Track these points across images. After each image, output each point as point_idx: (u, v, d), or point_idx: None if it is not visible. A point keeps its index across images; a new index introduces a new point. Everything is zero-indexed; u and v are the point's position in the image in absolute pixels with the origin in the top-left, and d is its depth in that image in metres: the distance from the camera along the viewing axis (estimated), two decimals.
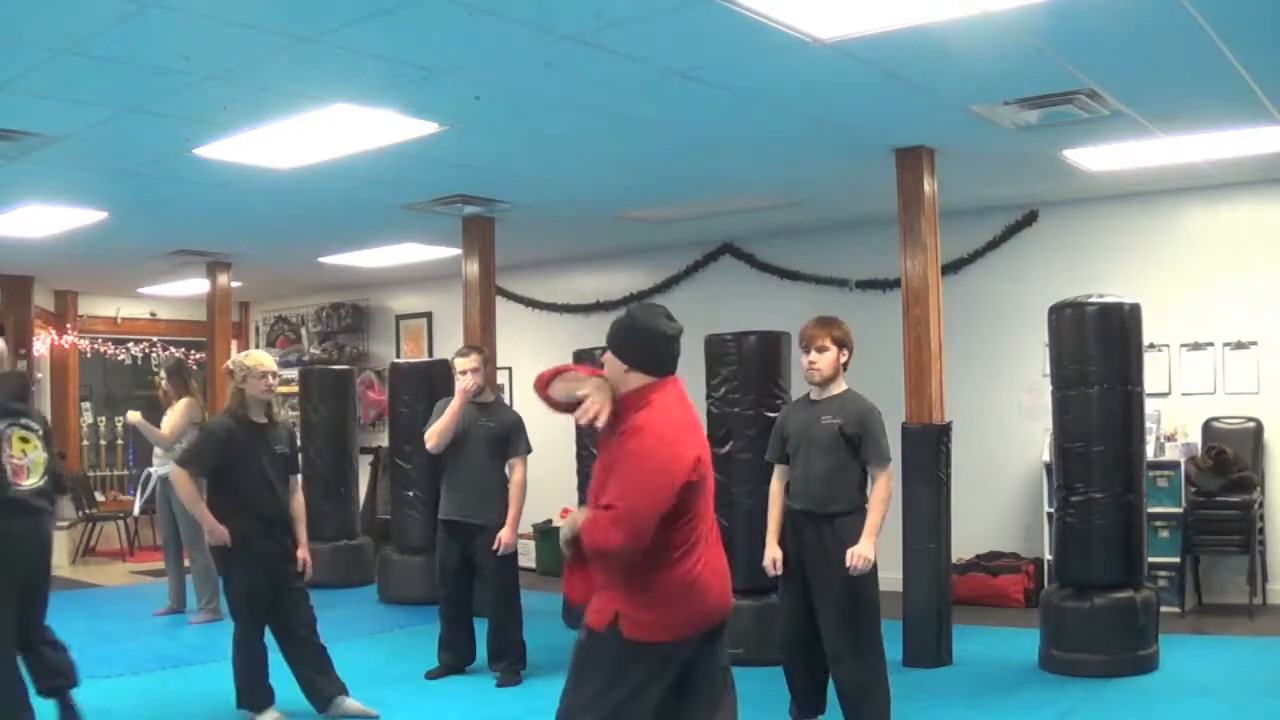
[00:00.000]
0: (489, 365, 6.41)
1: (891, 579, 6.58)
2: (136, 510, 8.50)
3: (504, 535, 5.85)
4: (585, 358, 7.15)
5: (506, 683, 5.87)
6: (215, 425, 5.17)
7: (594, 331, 9.18)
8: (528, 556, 8.80)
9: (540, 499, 7.46)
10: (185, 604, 7.74)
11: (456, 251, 8.61)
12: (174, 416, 7.59)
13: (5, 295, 10.55)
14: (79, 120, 5.29)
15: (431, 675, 6.03)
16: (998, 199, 7.82)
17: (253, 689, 5.05)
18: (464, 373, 5.94)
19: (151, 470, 7.73)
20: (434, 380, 8.33)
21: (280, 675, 5.14)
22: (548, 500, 8.79)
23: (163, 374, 8.19)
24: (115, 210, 7.43)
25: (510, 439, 5.97)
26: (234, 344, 11.19)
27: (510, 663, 5.94)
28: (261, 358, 5.21)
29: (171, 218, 7.90)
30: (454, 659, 6.08)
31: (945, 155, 6.35)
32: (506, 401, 9.58)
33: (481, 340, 8.03)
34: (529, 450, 5.99)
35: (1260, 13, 4.27)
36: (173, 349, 11.88)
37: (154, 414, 7.90)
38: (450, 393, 6.12)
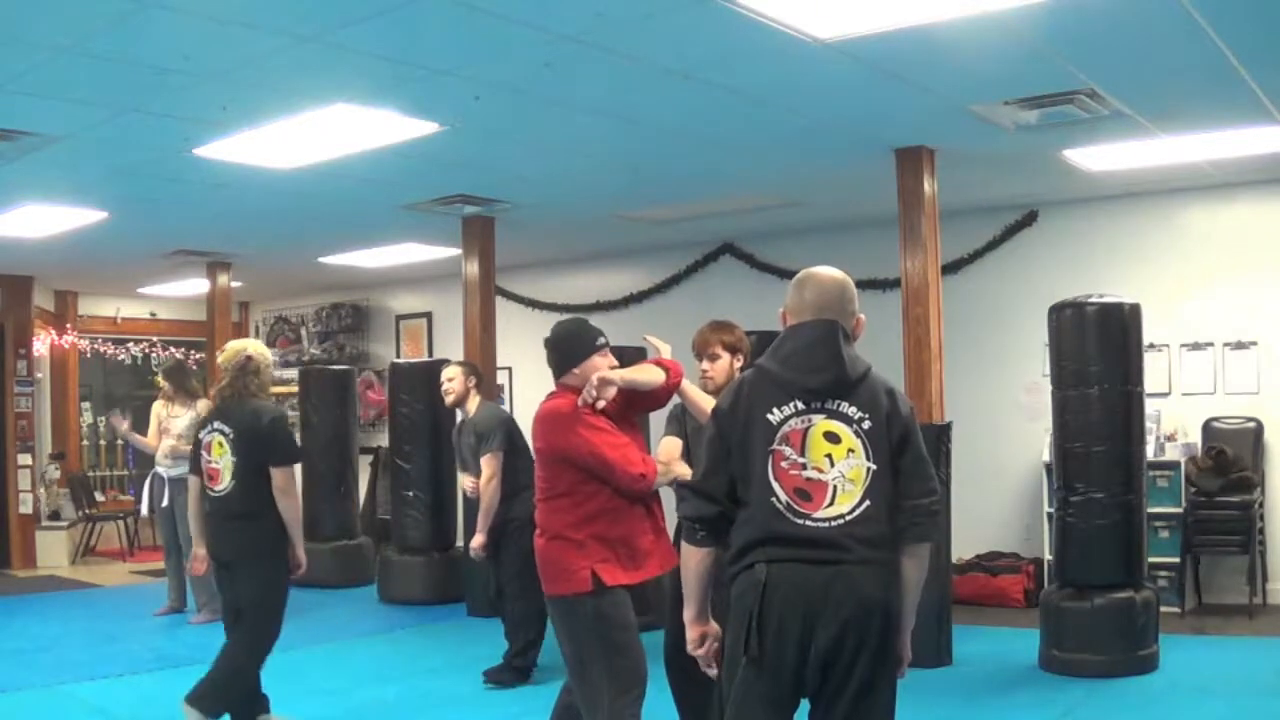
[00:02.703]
0: (480, 378, 6.24)
1: None
2: (144, 511, 8.49)
3: (474, 540, 5.75)
4: None
5: (491, 675, 5.77)
6: (284, 414, 4.97)
7: None
8: None
9: None
10: (185, 604, 7.74)
11: (456, 251, 8.61)
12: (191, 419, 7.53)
13: (5, 295, 10.55)
14: (79, 120, 5.29)
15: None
16: (998, 199, 7.82)
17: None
18: (441, 383, 5.98)
19: (158, 470, 7.72)
20: (434, 380, 8.31)
21: (276, 679, 5.13)
22: None
23: (160, 375, 8.12)
24: (115, 210, 7.43)
25: (482, 443, 5.86)
26: None
27: (508, 658, 5.83)
28: (265, 346, 5.11)
29: (171, 218, 7.89)
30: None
31: (945, 155, 6.35)
32: (505, 402, 9.60)
33: (481, 340, 8.03)
34: (496, 448, 5.79)
35: (1260, 13, 4.27)
36: (173, 349, 11.89)
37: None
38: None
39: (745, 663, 2.62)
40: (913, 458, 2.72)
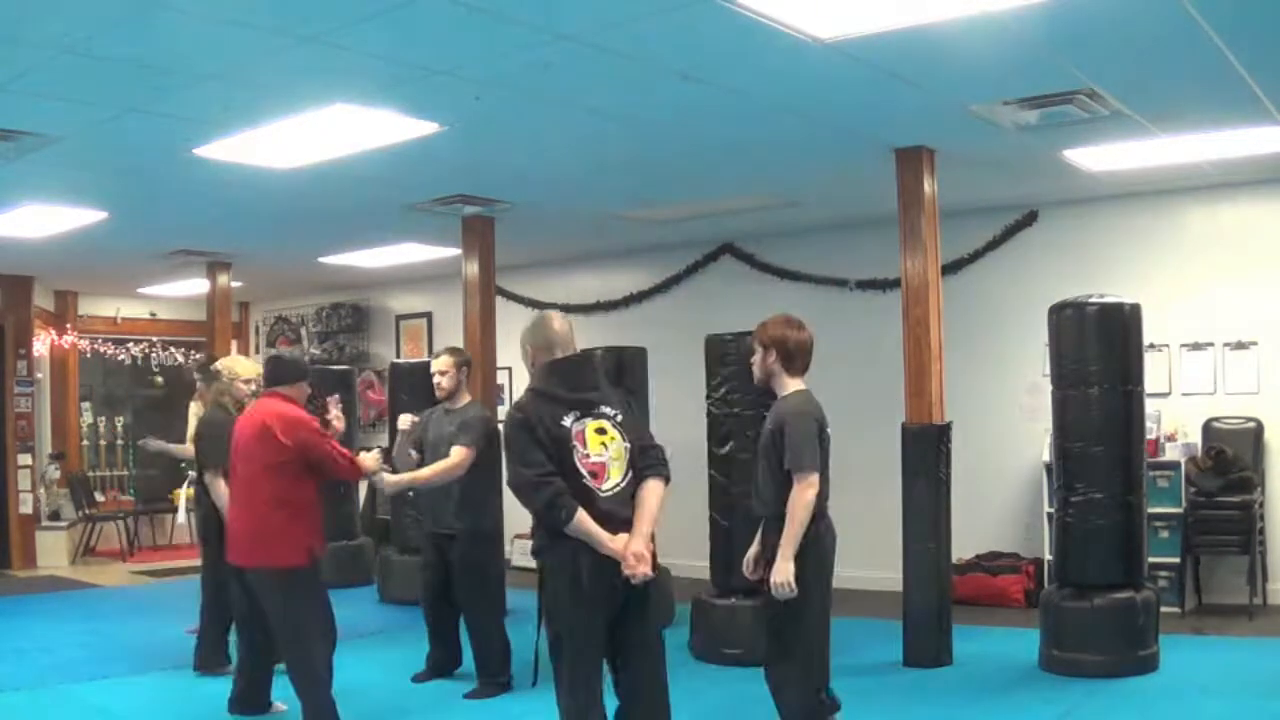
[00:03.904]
0: (470, 367, 6.12)
1: (891, 579, 6.58)
2: (181, 518, 8.36)
3: (388, 478, 5.44)
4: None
5: (473, 695, 5.71)
6: (221, 418, 5.49)
7: (594, 331, 9.18)
8: (524, 556, 8.80)
9: None
10: None
11: (456, 251, 8.61)
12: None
13: (5, 295, 10.55)
14: (79, 120, 5.29)
15: (418, 678, 5.99)
16: (998, 199, 7.82)
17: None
18: (432, 374, 5.87)
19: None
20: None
21: (276, 679, 5.13)
22: None
23: (195, 373, 8.03)
24: (115, 210, 7.43)
25: (462, 433, 5.64)
26: (234, 344, 11.18)
27: (485, 675, 5.79)
28: (247, 365, 5.86)
29: (171, 218, 7.89)
30: (435, 668, 6.03)
31: (945, 155, 6.35)
32: (506, 402, 9.58)
33: (481, 340, 8.02)
34: (474, 443, 5.58)
35: (1260, 13, 4.27)
36: (175, 349, 11.89)
37: (153, 415, 7.89)
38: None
39: (571, 605, 3.64)
40: (641, 425, 3.96)
